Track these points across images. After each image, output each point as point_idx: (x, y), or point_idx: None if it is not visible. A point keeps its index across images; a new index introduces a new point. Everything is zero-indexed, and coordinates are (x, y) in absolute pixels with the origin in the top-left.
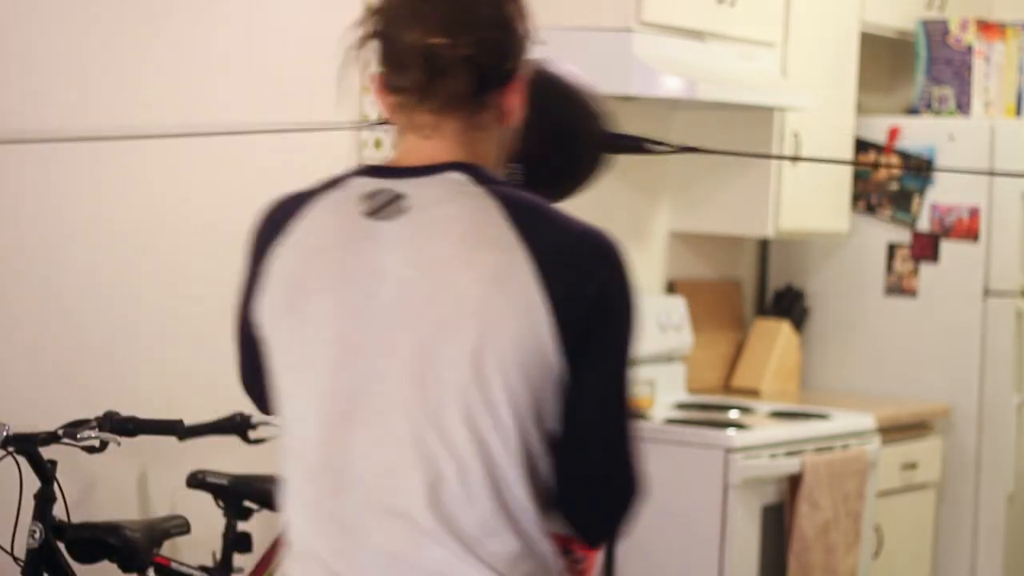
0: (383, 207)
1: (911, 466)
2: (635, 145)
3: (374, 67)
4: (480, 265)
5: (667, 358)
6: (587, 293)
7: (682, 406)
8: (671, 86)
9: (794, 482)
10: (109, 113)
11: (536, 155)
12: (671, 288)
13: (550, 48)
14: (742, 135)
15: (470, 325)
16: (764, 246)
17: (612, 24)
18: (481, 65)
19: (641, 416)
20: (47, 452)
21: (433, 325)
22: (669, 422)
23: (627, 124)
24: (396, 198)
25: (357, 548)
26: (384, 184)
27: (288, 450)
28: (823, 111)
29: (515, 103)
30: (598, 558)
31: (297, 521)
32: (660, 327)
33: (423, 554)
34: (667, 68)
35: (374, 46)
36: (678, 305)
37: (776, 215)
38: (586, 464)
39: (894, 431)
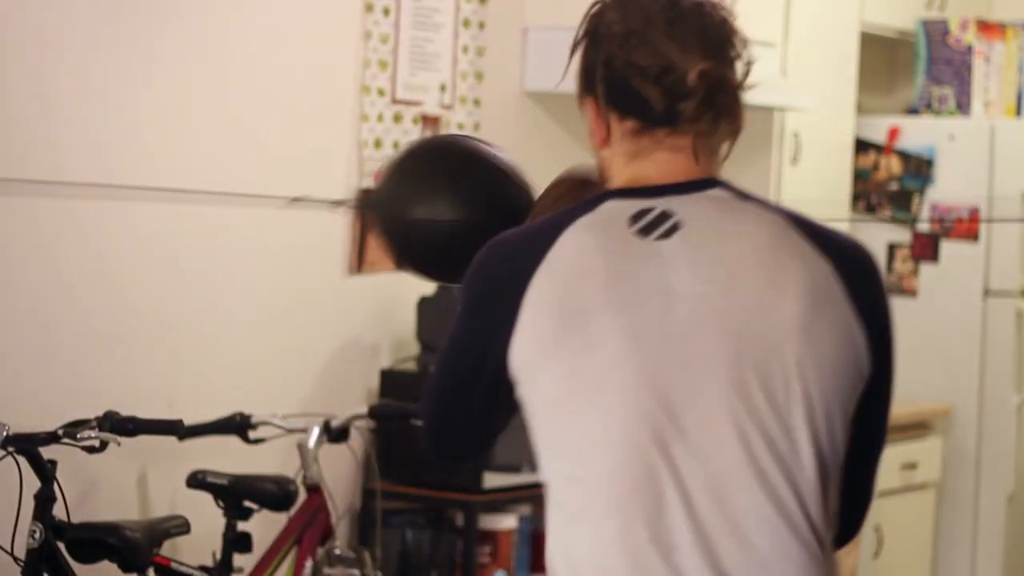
0: (654, 226)
1: (911, 466)
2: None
3: (594, 92)
4: (792, 279)
5: None
6: (880, 304)
7: None
8: None
9: None
10: (113, 113)
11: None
12: None
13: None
14: (742, 135)
15: (792, 338)
16: None
17: None
18: (740, 83)
19: None
20: (47, 452)
21: (750, 339)
22: None
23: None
24: (664, 216)
25: (685, 570)
26: (646, 203)
27: (577, 478)
28: (823, 111)
29: (741, 122)
30: None
31: (598, 552)
32: None
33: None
34: None
35: (606, 73)
36: None
37: None
38: (869, 470)
39: (894, 431)
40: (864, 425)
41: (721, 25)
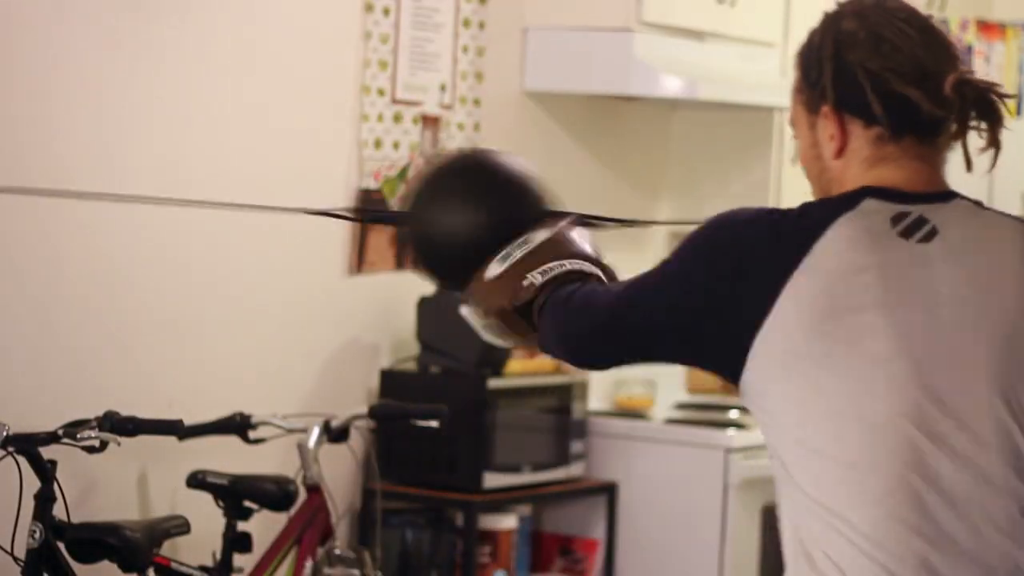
0: (914, 229)
1: None
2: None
3: (836, 98)
4: (997, 292)
5: None
6: None
7: (682, 406)
8: (671, 86)
9: None
10: (113, 111)
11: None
12: None
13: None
14: (742, 135)
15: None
16: None
17: (612, 24)
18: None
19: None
20: (47, 452)
21: (1016, 343)
22: (669, 422)
23: (627, 124)
24: (922, 221)
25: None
26: (901, 208)
27: (836, 476)
28: None
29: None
30: (598, 558)
31: (853, 551)
32: None
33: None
34: (667, 68)
35: (862, 81)
36: None
37: None
38: None
39: None
40: None
41: (951, 39)
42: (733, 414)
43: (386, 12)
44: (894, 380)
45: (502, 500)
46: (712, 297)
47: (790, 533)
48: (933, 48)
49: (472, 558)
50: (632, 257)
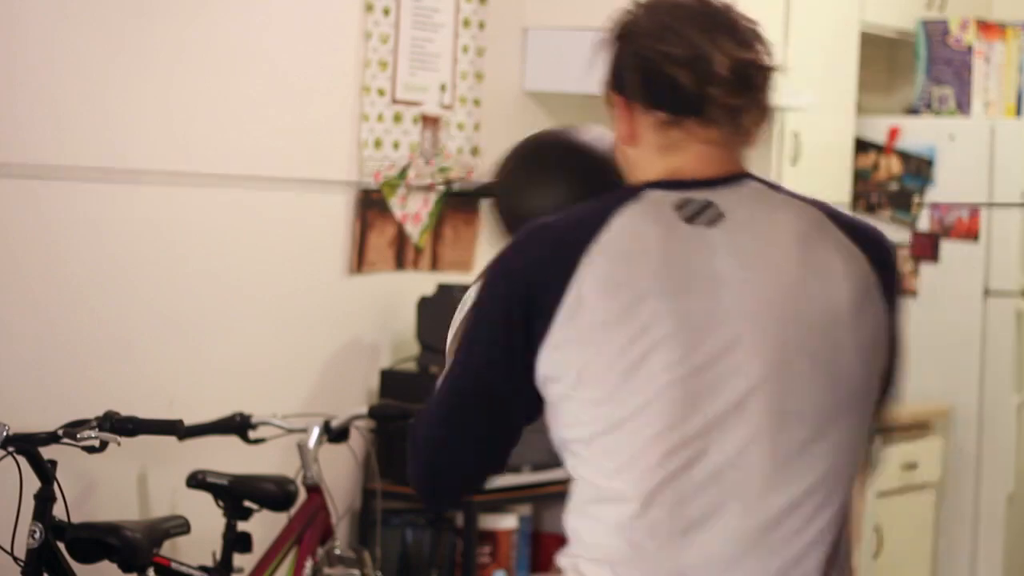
0: (698, 213)
1: (911, 466)
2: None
3: (623, 86)
4: (835, 269)
5: None
6: (898, 295)
7: None
8: None
9: None
10: (111, 110)
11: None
12: None
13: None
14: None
15: (838, 326)
16: None
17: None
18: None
19: None
20: (47, 452)
21: (795, 325)
22: None
23: None
24: (707, 205)
25: (695, 555)
26: (687, 194)
27: (618, 457)
28: (823, 111)
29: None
30: None
31: (621, 530)
32: None
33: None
34: None
35: (636, 66)
36: None
37: None
38: None
39: (894, 431)
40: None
41: (750, 25)
42: None
43: (386, 12)
44: (667, 368)
45: (502, 500)
46: (517, 322)
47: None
48: (713, 31)
49: (472, 558)
50: None
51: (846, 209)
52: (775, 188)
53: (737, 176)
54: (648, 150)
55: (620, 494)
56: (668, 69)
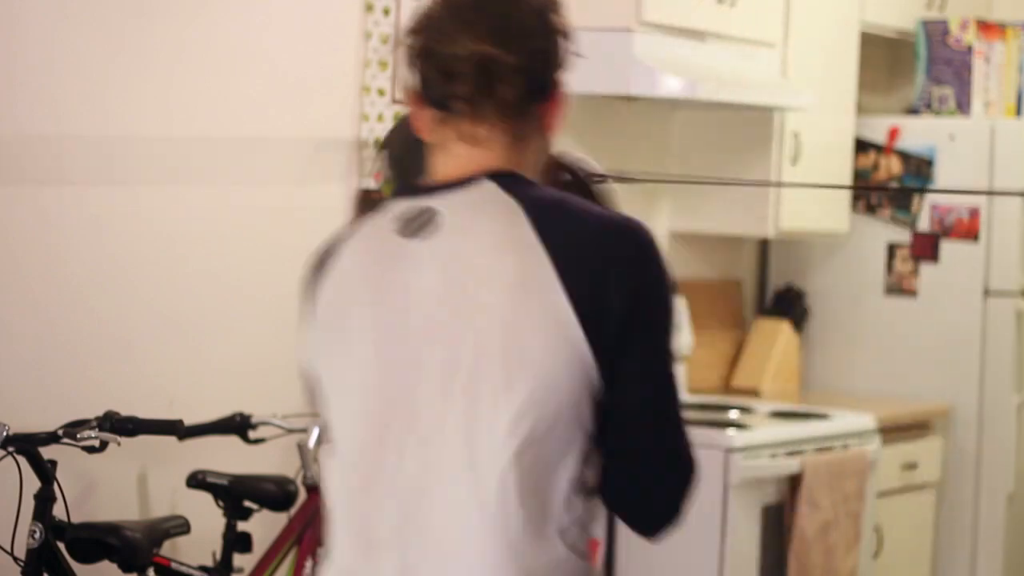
0: (417, 225)
1: (911, 466)
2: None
3: (410, 82)
4: (503, 272)
5: None
6: (613, 284)
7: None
8: (671, 86)
9: (794, 482)
10: (110, 108)
11: None
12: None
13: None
14: (742, 135)
15: (497, 335)
16: (764, 246)
17: (612, 24)
18: (531, 75)
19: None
20: (47, 452)
21: (465, 339)
22: None
23: (627, 124)
24: (431, 216)
25: (391, 569)
26: (420, 202)
27: (331, 468)
28: (823, 111)
29: (556, 115)
30: (598, 558)
31: (338, 538)
32: None
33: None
34: (667, 68)
35: (412, 61)
36: (678, 305)
37: (776, 215)
38: (636, 461)
39: (894, 431)
40: (620, 412)
41: (528, 15)
42: (733, 414)
43: (386, 12)
44: (361, 385)
45: None
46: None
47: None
48: (476, 25)
49: None
50: None
51: (846, 209)
52: (514, 185)
53: (477, 176)
54: (432, 148)
55: None
56: (426, 67)
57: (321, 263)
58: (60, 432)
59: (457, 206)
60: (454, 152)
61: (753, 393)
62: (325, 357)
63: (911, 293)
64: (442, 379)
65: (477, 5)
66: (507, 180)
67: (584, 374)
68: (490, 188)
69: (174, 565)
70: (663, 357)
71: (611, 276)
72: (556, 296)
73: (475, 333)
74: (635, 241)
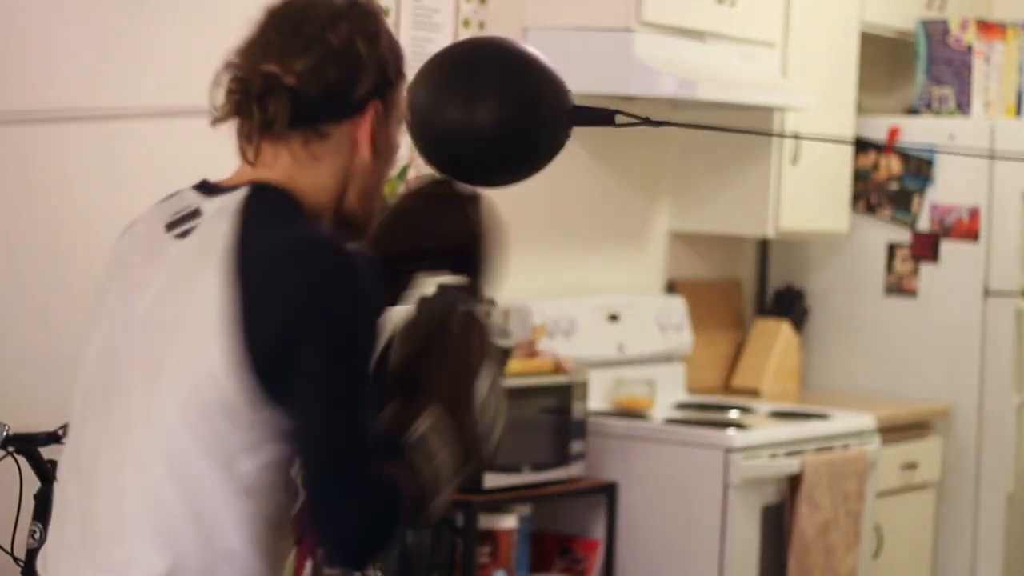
0: (180, 223)
1: (911, 466)
2: (605, 116)
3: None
4: (182, 290)
5: (667, 358)
6: (277, 306)
7: (682, 406)
8: (671, 86)
9: (794, 482)
10: (113, 111)
11: (502, 127)
12: (671, 288)
13: (550, 48)
14: (742, 135)
15: (160, 352)
16: (764, 246)
17: (612, 24)
18: (307, 95)
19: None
20: (47, 452)
21: (147, 351)
22: (669, 422)
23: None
24: (193, 215)
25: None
26: (197, 200)
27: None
28: (823, 111)
29: (364, 136)
30: (598, 558)
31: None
32: (660, 327)
33: None
34: (667, 68)
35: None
36: (678, 305)
37: (776, 215)
38: (311, 478)
39: (894, 431)
40: (298, 439)
41: (314, 29)
42: (733, 414)
43: (386, 12)
44: (82, 389)
45: (502, 500)
46: None
47: None
48: (264, 36)
49: (472, 558)
50: (633, 256)
51: (846, 209)
52: (257, 198)
53: (242, 185)
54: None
55: None
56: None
57: (122, 233)
58: (60, 432)
59: (213, 211)
60: (243, 160)
61: (753, 393)
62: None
63: (911, 293)
64: (126, 393)
65: (281, 16)
66: (258, 192)
67: (228, 407)
68: (237, 198)
69: None
70: (334, 389)
71: (278, 295)
72: (213, 324)
73: (153, 349)
74: (309, 261)
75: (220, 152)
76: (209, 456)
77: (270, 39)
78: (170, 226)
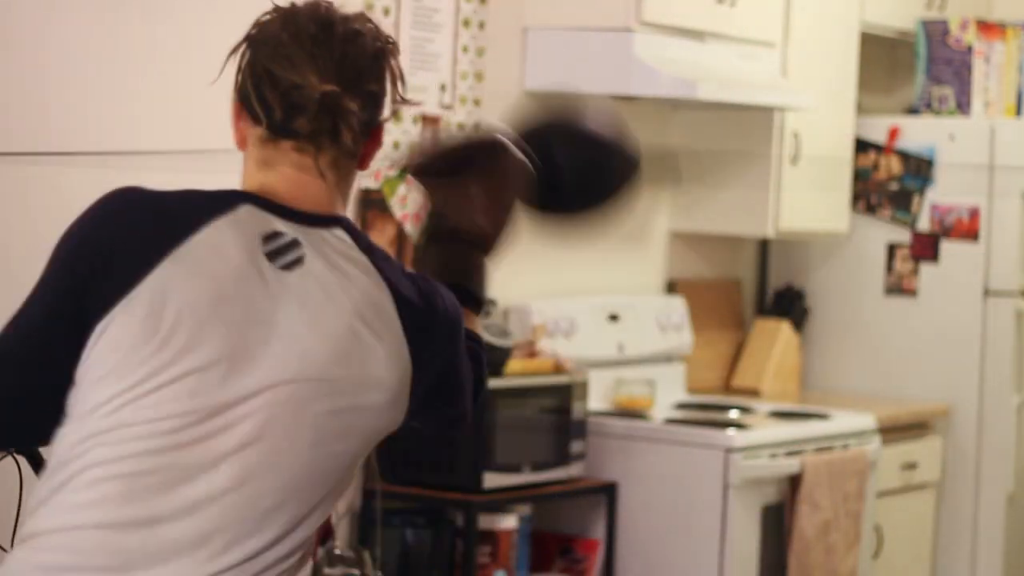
0: (282, 252)
1: (911, 466)
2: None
3: (241, 93)
4: (370, 345)
5: (667, 358)
6: (432, 350)
7: (682, 406)
8: (671, 86)
9: (794, 482)
10: (109, 108)
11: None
12: (671, 288)
13: (550, 48)
14: (742, 135)
15: (369, 400)
16: (764, 246)
17: (612, 24)
18: (365, 118)
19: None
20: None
21: (328, 389)
22: (669, 422)
23: (627, 124)
24: (294, 245)
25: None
26: (278, 225)
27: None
28: (823, 111)
29: (374, 151)
30: (598, 558)
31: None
32: (660, 327)
33: None
34: (667, 68)
35: (253, 79)
36: (678, 305)
37: (776, 215)
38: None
39: (894, 431)
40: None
41: (367, 56)
42: (733, 414)
43: (386, 12)
44: (196, 395)
45: (502, 500)
46: (83, 279)
47: None
48: (322, 61)
49: (472, 558)
50: (634, 257)
51: (846, 209)
52: (362, 243)
53: (330, 219)
54: (250, 160)
55: None
56: (266, 89)
57: (159, 239)
58: None
59: (319, 248)
60: (285, 175)
61: (753, 393)
62: (139, 346)
63: (911, 293)
64: (296, 420)
65: (319, 39)
66: (355, 234)
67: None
68: (343, 238)
69: None
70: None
71: (431, 342)
72: (401, 343)
73: (337, 392)
74: (444, 300)
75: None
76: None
77: (315, 54)
78: (271, 255)
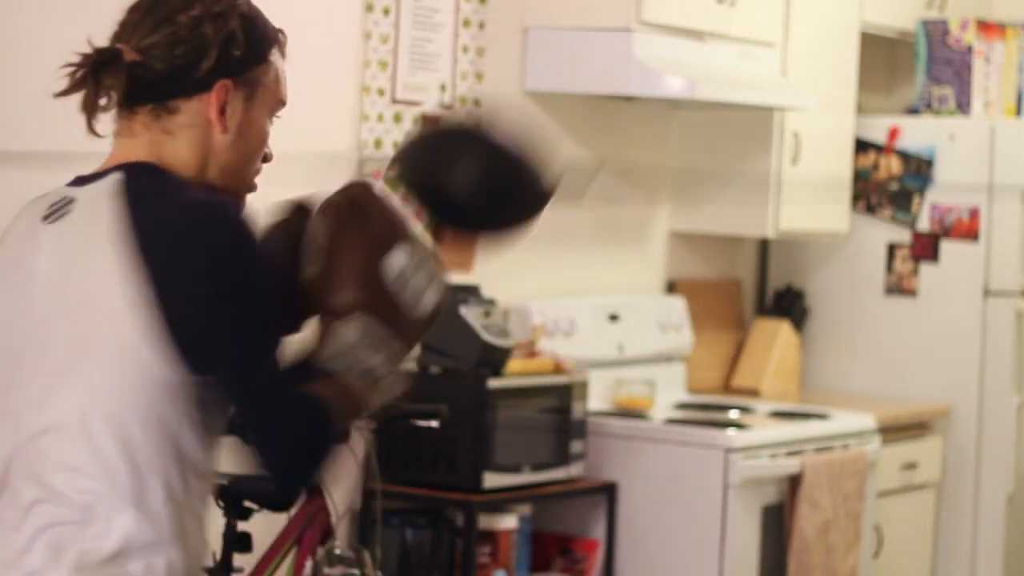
0: (55, 211)
1: (911, 466)
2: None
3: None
4: (76, 277)
5: (667, 358)
6: (187, 278)
7: (682, 406)
8: (671, 86)
9: (794, 482)
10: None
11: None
12: (671, 288)
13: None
14: (742, 135)
15: (77, 339)
16: (764, 246)
17: (612, 24)
18: (150, 71)
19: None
20: None
21: (62, 329)
22: (669, 422)
23: (627, 124)
24: (68, 203)
25: None
26: (67, 191)
27: None
28: (823, 111)
29: (212, 112)
30: (598, 558)
31: None
32: (660, 327)
33: None
34: (667, 68)
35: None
36: (678, 305)
37: (776, 215)
38: (256, 425)
39: (894, 431)
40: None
41: (161, 17)
42: (733, 414)
43: (386, 12)
44: None
45: (502, 500)
46: None
47: None
48: (131, 14)
49: (472, 558)
50: (634, 257)
51: (846, 209)
52: (136, 177)
53: (115, 168)
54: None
55: None
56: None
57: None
58: None
59: (87, 196)
60: (116, 145)
61: (753, 393)
62: None
63: (911, 293)
64: (52, 367)
65: (137, 5)
66: (136, 172)
67: (148, 371)
68: (116, 179)
69: None
70: (242, 336)
71: (186, 267)
72: (121, 286)
73: (69, 328)
74: (213, 224)
75: None
76: (144, 423)
77: (126, 21)
78: (46, 218)
